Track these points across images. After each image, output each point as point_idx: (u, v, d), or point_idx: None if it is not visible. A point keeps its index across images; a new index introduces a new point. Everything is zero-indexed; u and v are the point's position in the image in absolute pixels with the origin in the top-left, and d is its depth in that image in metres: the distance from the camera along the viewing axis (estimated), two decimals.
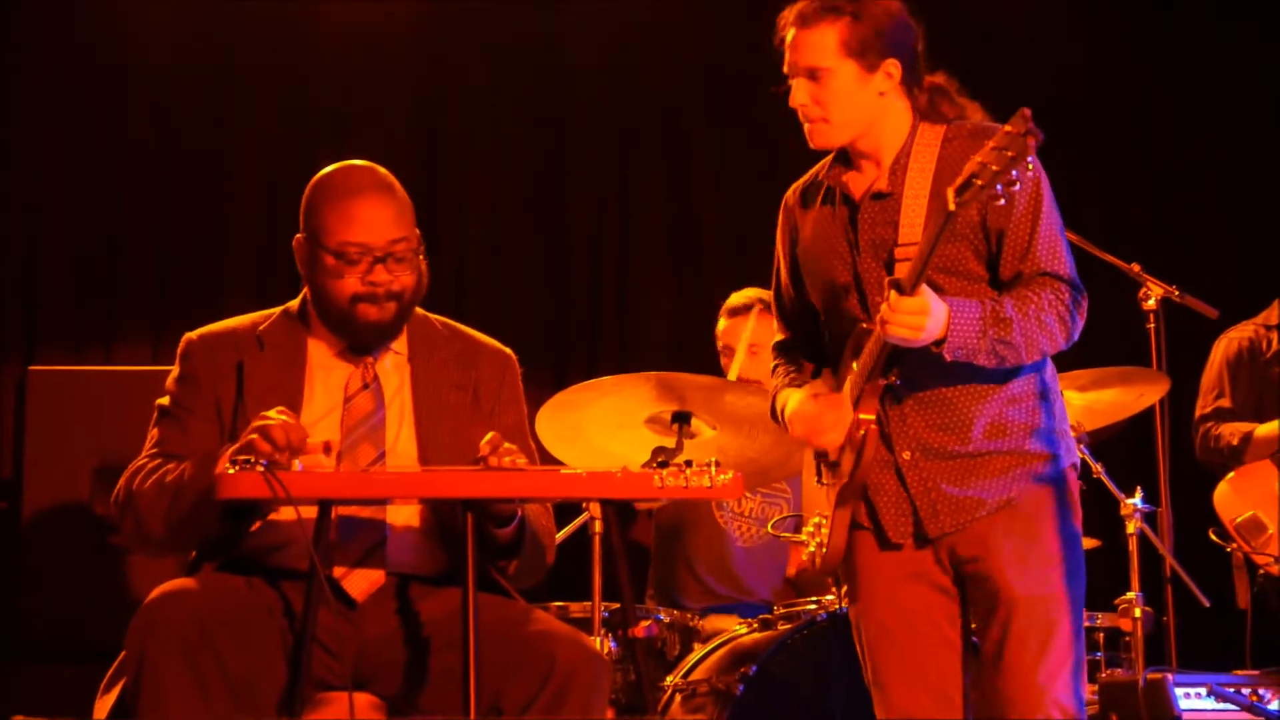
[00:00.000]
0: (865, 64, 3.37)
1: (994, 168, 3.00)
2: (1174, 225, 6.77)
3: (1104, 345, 4.85)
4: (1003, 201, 3.09)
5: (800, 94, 3.39)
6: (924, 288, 3.17)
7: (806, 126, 3.43)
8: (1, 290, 6.22)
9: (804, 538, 3.59)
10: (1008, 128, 2.99)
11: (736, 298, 5.34)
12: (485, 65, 6.61)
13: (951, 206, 3.06)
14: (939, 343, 3.21)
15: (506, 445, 3.22)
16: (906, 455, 3.38)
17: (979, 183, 3.01)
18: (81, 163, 6.33)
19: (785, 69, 3.44)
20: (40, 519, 5.01)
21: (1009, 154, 2.98)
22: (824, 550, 3.46)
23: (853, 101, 3.39)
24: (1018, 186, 3.03)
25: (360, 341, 3.47)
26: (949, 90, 3.48)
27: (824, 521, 3.49)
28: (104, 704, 3.20)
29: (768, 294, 5.19)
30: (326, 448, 3.22)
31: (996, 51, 6.57)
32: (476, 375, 3.55)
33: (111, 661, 3.24)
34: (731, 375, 5.19)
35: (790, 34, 3.41)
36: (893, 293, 3.17)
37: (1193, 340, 5.74)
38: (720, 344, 5.36)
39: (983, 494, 3.34)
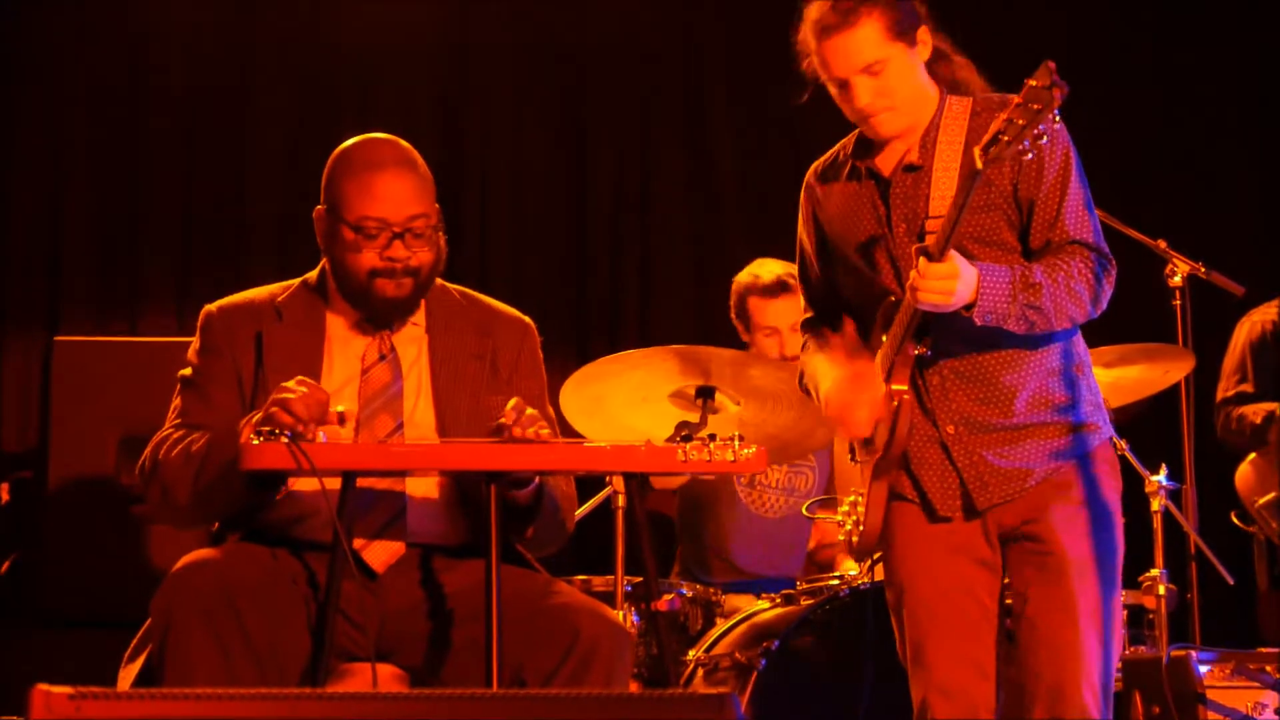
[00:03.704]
0: (908, 40, 3.36)
1: (1020, 122, 2.99)
2: (1200, 201, 6.74)
3: (1129, 322, 4.83)
4: (1030, 156, 3.09)
5: (864, 94, 3.34)
6: (953, 253, 3.16)
7: (872, 120, 3.38)
8: (27, 261, 6.25)
9: (839, 517, 3.58)
10: (1032, 81, 2.98)
11: (765, 277, 5.23)
12: (508, 38, 6.61)
13: (979, 165, 3.05)
14: (969, 307, 3.20)
15: (530, 413, 3.21)
16: (950, 429, 3.37)
17: (1005, 138, 3.00)
18: (104, 134, 6.34)
19: (831, 75, 3.37)
20: (64, 488, 5.02)
21: (1035, 107, 2.97)
22: (860, 528, 3.45)
23: (911, 80, 3.38)
24: (1045, 140, 3.02)
25: (377, 316, 3.47)
26: (946, 49, 3.47)
27: (860, 500, 3.48)
28: (128, 673, 3.21)
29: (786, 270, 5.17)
30: (341, 419, 3.21)
31: (1014, 24, 6.54)
32: (494, 344, 3.55)
33: (135, 631, 3.25)
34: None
35: (825, 42, 3.35)
36: (921, 259, 3.17)
37: (1219, 317, 5.72)
38: (765, 322, 5.25)
39: (1029, 464, 3.34)
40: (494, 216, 6.56)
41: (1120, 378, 4.97)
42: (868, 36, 3.32)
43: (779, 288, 5.17)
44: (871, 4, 3.33)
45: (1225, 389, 5.84)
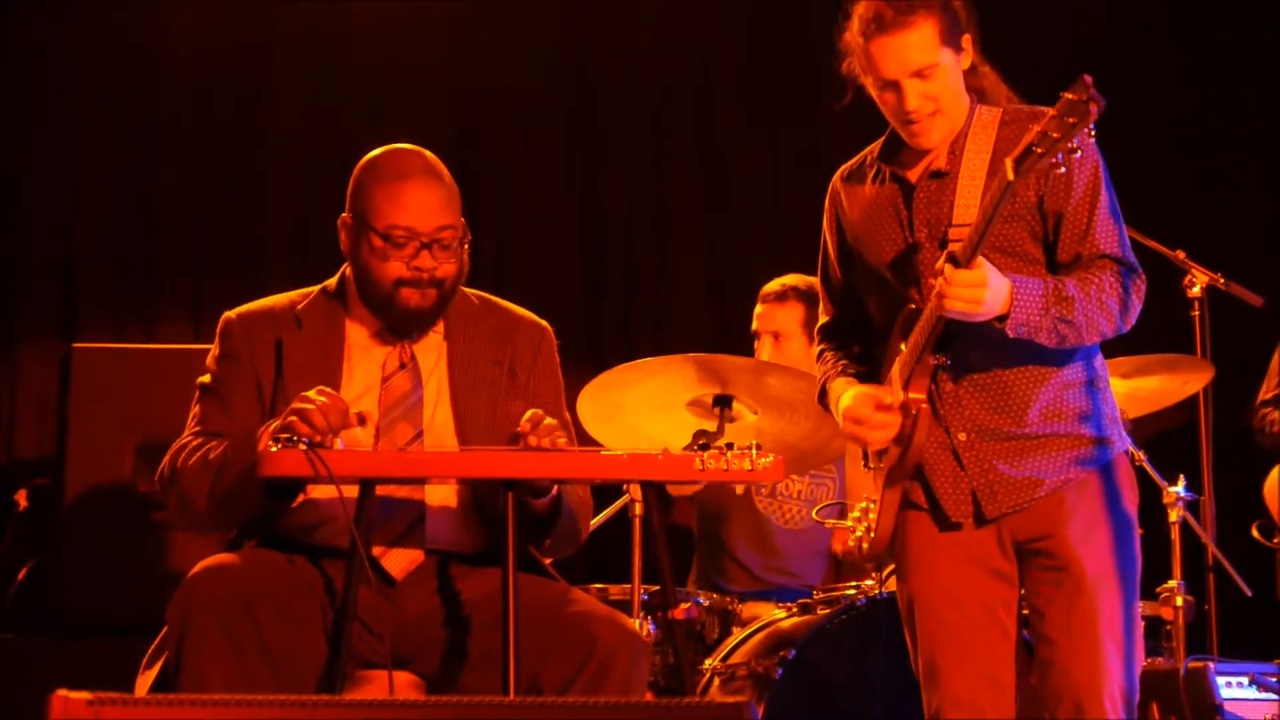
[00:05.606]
0: (955, 46, 3.35)
1: (1055, 135, 2.97)
2: (1219, 212, 6.72)
3: (1148, 332, 4.80)
4: (1063, 170, 3.07)
5: (913, 97, 3.31)
6: (982, 260, 3.14)
7: (915, 125, 3.35)
8: (44, 268, 6.27)
9: (849, 523, 3.58)
10: (1069, 95, 2.96)
11: (772, 284, 5.32)
12: (520, 46, 6.63)
13: (1011, 175, 3.03)
14: (1002, 319, 3.19)
15: (547, 422, 3.22)
16: (962, 436, 3.37)
17: (1039, 150, 2.98)
18: (120, 142, 6.37)
19: (879, 75, 3.34)
20: (82, 496, 5.03)
21: (1070, 120, 2.95)
22: (871, 534, 3.45)
23: (956, 86, 3.37)
24: (1079, 155, 3.01)
25: (399, 325, 3.48)
26: (974, 57, 3.46)
27: (871, 506, 3.48)
28: (146, 679, 3.22)
29: (803, 281, 5.21)
30: (361, 419, 3.22)
31: (1029, 30, 6.52)
32: (513, 350, 3.56)
33: (153, 637, 3.26)
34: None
35: (877, 41, 3.32)
36: (948, 266, 3.15)
37: (1238, 328, 5.70)
38: (754, 328, 5.34)
39: (1039, 474, 3.34)
40: (510, 226, 6.57)
41: (1139, 388, 4.96)
42: (922, 39, 3.31)
43: (774, 296, 5.23)
44: (929, 7, 3.31)
45: (1265, 391, 5.78)
